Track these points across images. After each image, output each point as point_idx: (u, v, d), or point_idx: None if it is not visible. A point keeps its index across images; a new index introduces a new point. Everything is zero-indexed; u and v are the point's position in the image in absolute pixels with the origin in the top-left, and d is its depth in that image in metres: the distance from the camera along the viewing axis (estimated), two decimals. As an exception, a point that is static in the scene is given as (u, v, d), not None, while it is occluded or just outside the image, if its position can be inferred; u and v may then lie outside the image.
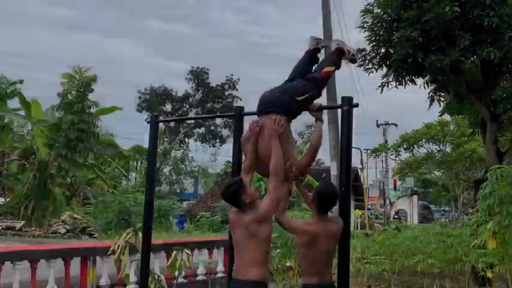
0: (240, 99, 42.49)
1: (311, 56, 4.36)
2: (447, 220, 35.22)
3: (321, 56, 4.57)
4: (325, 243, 3.63)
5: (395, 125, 39.27)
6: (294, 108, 3.93)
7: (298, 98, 3.91)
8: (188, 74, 43.34)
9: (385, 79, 9.82)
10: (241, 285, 3.57)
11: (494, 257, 6.90)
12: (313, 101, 4.08)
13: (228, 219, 3.99)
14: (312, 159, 4.02)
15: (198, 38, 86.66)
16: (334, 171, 13.11)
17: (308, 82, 4.04)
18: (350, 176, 4.08)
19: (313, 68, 4.29)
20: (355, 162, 35.09)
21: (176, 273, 7.33)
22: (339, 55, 4.25)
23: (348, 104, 3.96)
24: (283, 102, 3.87)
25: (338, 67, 4.29)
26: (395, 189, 39.97)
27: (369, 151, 28.30)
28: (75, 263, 8.22)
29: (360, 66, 9.85)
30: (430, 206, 45.48)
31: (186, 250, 7.10)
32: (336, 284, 3.74)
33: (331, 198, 3.72)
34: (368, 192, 35.19)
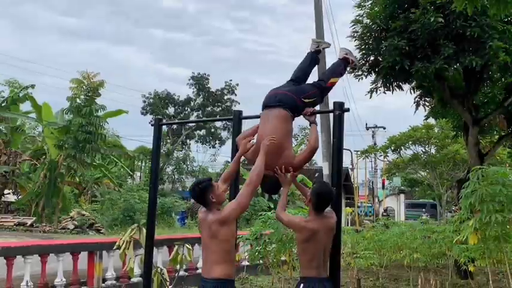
0: (239, 103, 42.50)
1: (313, 57, 4.39)
2: (428, 216, 35.00)
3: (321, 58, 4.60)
4: (323, 239, 3.63)
5: (384, 128, 39.32)
6: (300, 109, 3.99)
7: (305, 100, 3.98)
8: (190, 79, 43.24)
9: (374, 85, 9.82)
10: (206, 284, 3.50)
11: (476, 252, 6.90)
12: (316, 105, 4.14)
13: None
14: (309, 158, 3.97)
15: (199, 46, 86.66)
16: (326, 171, 13.09)
17: (315, 88, 4.13)
18: (341, 175, 4.08)
19: (317, 68, 4.35)
20: (346, 162, 35.14)
21: (178, 266, 7.30)
22: (345, 65, 4.30)
23: (340, 108, 3.97)
24: (291, 100, 3.95)
25: (341, 75, 4.36)
26: (383, 188, 40.02)
27: (358, 152, 28.34)
28: (83, 257, 8.20)
29: (350, 73, 9.85)
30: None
31: (187, 245, 7.08)
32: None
33: (328, 198, 3.71)
34: (358, 191, 35.20)
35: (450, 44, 8.27)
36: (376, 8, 9.19)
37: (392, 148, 22.80)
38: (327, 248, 3.70)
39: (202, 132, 44.42)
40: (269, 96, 4.01)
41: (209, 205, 3.60)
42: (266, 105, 3.99)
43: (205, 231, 3.59)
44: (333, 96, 17.46)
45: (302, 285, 3.63)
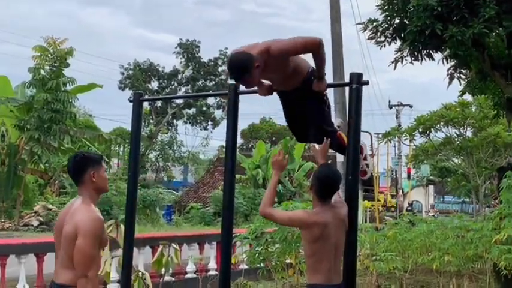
0: (235, 76, 42.52)
1: None
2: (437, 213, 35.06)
3: None
4: (334, 234, 3.54)
5: (410, 106, 39.38)
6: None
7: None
8: (177, 47, 43.18)
9: (399, 54, 9.80)
10: None
11: (519, 254, 6.95)
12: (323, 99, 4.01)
13: (220, 211, 3.89)
14: (294, 44, 3.60)
15: (188, 6, 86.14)
16: (340, 158, 13.12)
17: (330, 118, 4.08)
18: (358, 162, 4.01)
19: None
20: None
21: (163, 270, 7.36)
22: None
23: (357, 81, 3.92)
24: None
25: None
26: (409, 178, 40.13)
27: (380, 135, 28.33)
28: (50, 258, 8.24)
29: (370, 39, 9.81)
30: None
31: (174, 245, 7.13)
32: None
33: (333, 182, 3.66)
34: (378, 181, 35.26)
35: (492, 4, 8.22)
36: (402, -40, 9.12)
37: (420, 130, 22.78)
38: (339, 245, 3.60)
39: (192, 111, 44.52)
40: None
41: (85, 185, 3.40)
42: None
43: (60, 223, 3.43)
44: (350, 67, 17.43)
45: None
